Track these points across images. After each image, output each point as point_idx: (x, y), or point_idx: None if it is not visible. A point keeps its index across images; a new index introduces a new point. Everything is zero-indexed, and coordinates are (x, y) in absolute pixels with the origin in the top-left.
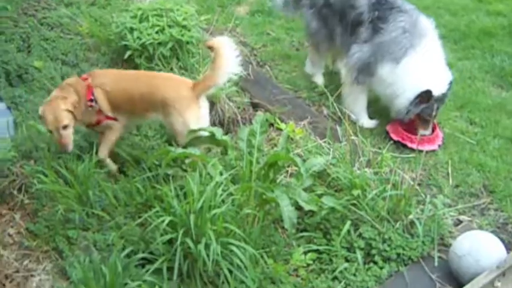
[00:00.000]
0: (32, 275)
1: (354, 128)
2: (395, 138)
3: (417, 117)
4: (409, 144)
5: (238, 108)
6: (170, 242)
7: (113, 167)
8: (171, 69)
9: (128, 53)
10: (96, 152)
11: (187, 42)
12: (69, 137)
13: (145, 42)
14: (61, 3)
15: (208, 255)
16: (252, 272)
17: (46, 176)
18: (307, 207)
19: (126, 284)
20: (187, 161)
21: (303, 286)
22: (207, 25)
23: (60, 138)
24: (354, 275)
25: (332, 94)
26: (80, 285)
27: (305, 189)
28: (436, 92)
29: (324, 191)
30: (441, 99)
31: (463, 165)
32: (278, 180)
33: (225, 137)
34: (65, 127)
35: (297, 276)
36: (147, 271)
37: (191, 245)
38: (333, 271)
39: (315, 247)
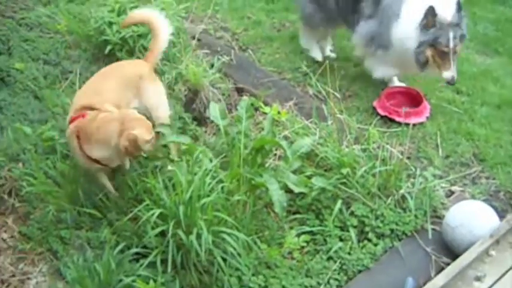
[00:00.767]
0: (28, 278)
1: (339, 106)
2: (382, 113)
3: (434, 52)
4: (397, 118)
5: (223, 94)
6: (163, 234)
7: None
8: None
9: (109, 47)
10: None
11: None
12: None
13: (125, 36)
14: (39, 3)
15: (200, 245)
16: (246, 259)
17: (35, 178)
18: (297, 190)
19: (120, 280)
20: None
21: (298, 268)
22: (187, 13)
23: None
24: (349, 253)
25: (315, 73)
26: (75, 285)
27: (294, 171)
28: (442, 11)
29: (313, 171)
30: (454, 24)
31: (452, 136)
32: (267, 164)
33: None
34: None
35: (292, 259)
36: (141, 265)
37: (183, 236)
38: (328, 251)
39: (308, 229)
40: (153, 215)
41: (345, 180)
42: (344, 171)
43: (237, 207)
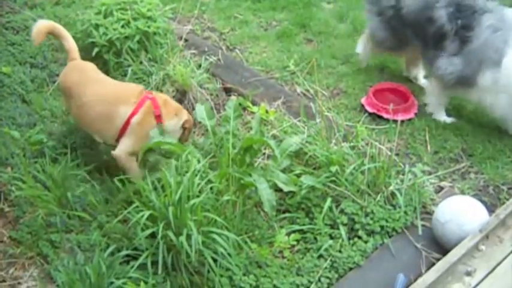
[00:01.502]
0: (19, 283)
1: (327, 104)
2: (370, 110)
3: None
4: (385, 115)
5: (211, 95)
6: (153, 236)
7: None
8: (141, 62)
9: (96, 49)
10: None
11: (154, 33)
12: None
13: (112, 38)
14: (25, 6)
15: (190, 246)
16: (237, 259)
17: (24, 182)
18: (286, 188)
19: (111, 282)
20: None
21: (289, 267)
22: (173, 14)
23: None
24: (339, 251)
25: (303, 72)
26: None
27: (283, 170)
28: None
29: (302, 170)
30: None
31: (441, 131)
32: (256, 164)
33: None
34: None
35: (283, 257)
36: (131, 267)
37: (173, 237)
38: (318, 249)
39: (298, 227)
40: (142, 216)
41: (334, 178)
42: (333, 169)
43: (227, 207)
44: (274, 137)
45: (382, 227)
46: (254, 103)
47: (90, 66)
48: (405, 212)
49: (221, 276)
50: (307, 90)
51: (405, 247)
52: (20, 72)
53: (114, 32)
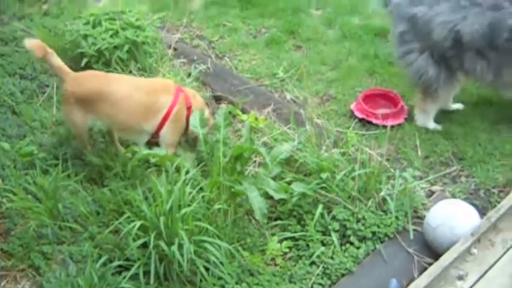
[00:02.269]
0: None
1: (317, 111)
2: (360, 116)
3: None
4: (375, 121)
5: None
6: (144, 246)
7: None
8: (130, 71)
9: (85, 60)
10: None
11: (143, 43)
12: None
13: (101, 48)
14: (14, 17)
15: (182, 256)
16: (229, 267)
17: (15, 194)
18: (277, 196)
19: None
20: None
21: (281, 274)
22: (162, 23)
23: None
24: (332, 257)
25: (292, 79)
26: None
27: (274, 178)
28: None
29: (293, 177)
30: None
31: (431, 136)
32: (247, 172)
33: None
34: None
35: (275, 265)
36: (124, 278)
37: (164, 247)
38: (310, 256)
39: (289, 234)
40: (134, 227)
41: (324, 184)
42: (324, 175)
43: (218, 216)
44: (264, 144)
45: (373, 233)
46: (244, 111)
47: (98, 71)
48: (396, 217)
49: (214, 285)
50: (297, 97)
51: (397, 252)
52: (9, 84)
53: (103, 42)
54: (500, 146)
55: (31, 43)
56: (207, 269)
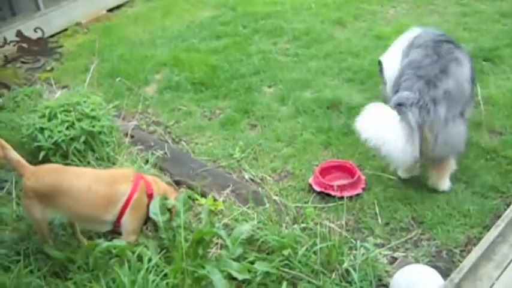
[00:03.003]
0: None
1: (276, 188)
2: (318, 189)
3: None
4: (333, 193)
5: None
6: None
7: None
8: (88, 162)
9: (42, 153)
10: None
11: (100, 133)
12: None
13: (58, 140)
14: None
15: None
16: None
17: None
18: (240, 277)
19: None
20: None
21: None
22: (117, 111)
23: None
24: None
25: (249, 157)
26: None
27: (237, 258)
28: None
29: (255, 256)
30: None
31: (389, 203)
32: (210, 254)
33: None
34: None
35: None
36: None
37: None
38: None
39: None
40: None
41: (287, 261)
42: (285, 252)
43: None
44: (225, 225)
45: None
46: (203, 194)
47: (56, 165)
48: (361, 287)
49: None
50: (255, 176)
51: None
52: None
53: (60, 135)
54: (458, 207)
55: None
56: None
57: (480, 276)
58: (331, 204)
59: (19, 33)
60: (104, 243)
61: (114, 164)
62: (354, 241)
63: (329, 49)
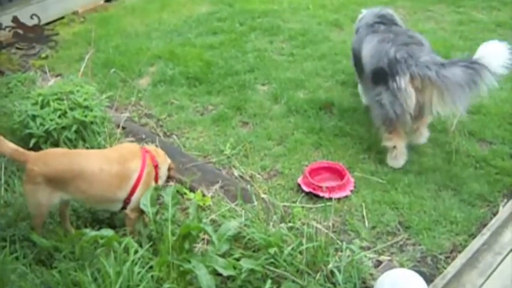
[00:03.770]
0: None
1: (265, 186)
2: (307, 189)
3: None
4: (321, 194)
5: None
6: None
7: None
8: None
9: (33, 140)
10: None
11: (92, 123)
12: None
13: (49, 128)
14: None
15: None
16: None
17: None
18: (225, 273)
19: None
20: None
21: None
22: (110, 102)
23: None
24: None
25: (239, 155)
26: None
27: (223, 254)
28: None
29: (241, 253)
30: None
31: (377, 206)
32: (196, 249)
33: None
34: None
35: None
36: None
37: None
38: None
39: None
40: None
41: (273, 259)
42: (271, 250)
43: None
44: (213, 221)
45: None
46: (192, 189)
47: (59, 149)
48: None
49: None
50: (244, 173)
51: None
52: None
53: (51, 123)
54: (444, 213)
55: None
56: None
57: (464, 283)
58: (319, 205)
59: (15, 19)
60: (91, 233)
61: None
62: (340, 243)
63: (324, 50)
